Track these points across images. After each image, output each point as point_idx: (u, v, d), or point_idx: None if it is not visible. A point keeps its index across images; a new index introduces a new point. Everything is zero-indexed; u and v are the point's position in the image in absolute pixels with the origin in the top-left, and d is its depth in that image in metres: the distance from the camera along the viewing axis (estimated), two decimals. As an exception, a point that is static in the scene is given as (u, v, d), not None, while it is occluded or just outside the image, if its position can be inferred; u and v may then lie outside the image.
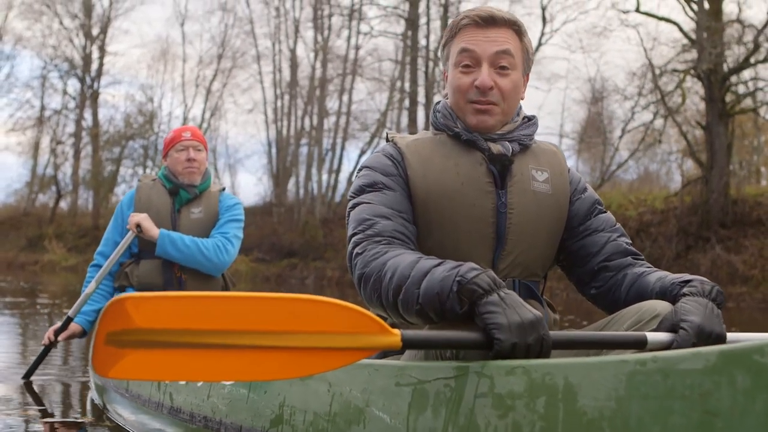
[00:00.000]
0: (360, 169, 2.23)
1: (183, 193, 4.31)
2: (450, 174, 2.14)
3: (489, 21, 2.17)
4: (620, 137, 27.17)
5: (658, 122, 24.36)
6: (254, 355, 1.52)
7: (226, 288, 4.39)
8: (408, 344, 1.63)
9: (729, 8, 22.03)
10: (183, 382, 2.62)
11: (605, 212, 2.34)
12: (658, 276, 2.13)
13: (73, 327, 4.24)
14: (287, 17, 32.19)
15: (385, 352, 2.18)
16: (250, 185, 46.33)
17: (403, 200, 2.12)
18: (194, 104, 52.40)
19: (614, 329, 1.96)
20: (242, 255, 26.42)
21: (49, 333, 4.22)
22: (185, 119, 34.24)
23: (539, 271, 2.23)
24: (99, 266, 4.30)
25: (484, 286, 1.75)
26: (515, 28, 2.21)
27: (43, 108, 35.45)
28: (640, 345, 1.78)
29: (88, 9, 34.86)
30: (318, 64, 31.07)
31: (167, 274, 4.19)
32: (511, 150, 2.20)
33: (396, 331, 1.62)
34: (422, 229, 2.13)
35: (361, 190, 2.15)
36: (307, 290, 19.08)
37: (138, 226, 4.13)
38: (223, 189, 4.48)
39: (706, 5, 20.69)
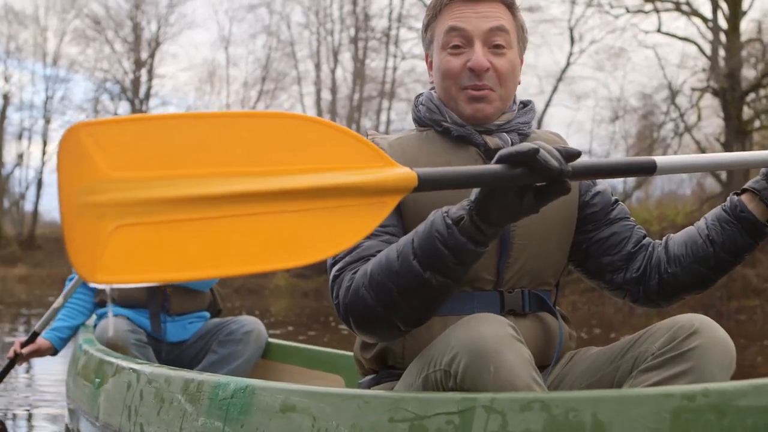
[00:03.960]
0: None
1: None
2: None
3: None
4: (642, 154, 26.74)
5: (677, 140, 23.95)
6: (261, 217, 1.14)
7: (215, 304, 4.01)
8: (424, 183, 1.28)
9: (750, 27, 21.42)
10: (155, 413, 2.25)
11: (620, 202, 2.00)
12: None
13: (41, 342, 3.74)
14: (326, 41, 32.12)
15: (377, 380, 1.83)
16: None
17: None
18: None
19: (645, 346, 1.60)
20: (282, 271, 26.29)
21: (16, 346, 3.75)
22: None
23: (550, 278, 1.86)
24: None
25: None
26: (507, 2, 1.83)
27: (95, 130, 35.63)
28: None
29: (137, 34, 35.10)
30: (356, 86, 30.95)
31: (151, 288, 3.78)
32: (510, 142, 1.82)
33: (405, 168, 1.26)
34: None
35: None
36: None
37: None
38: None
39: (724, 24, 20.28)
